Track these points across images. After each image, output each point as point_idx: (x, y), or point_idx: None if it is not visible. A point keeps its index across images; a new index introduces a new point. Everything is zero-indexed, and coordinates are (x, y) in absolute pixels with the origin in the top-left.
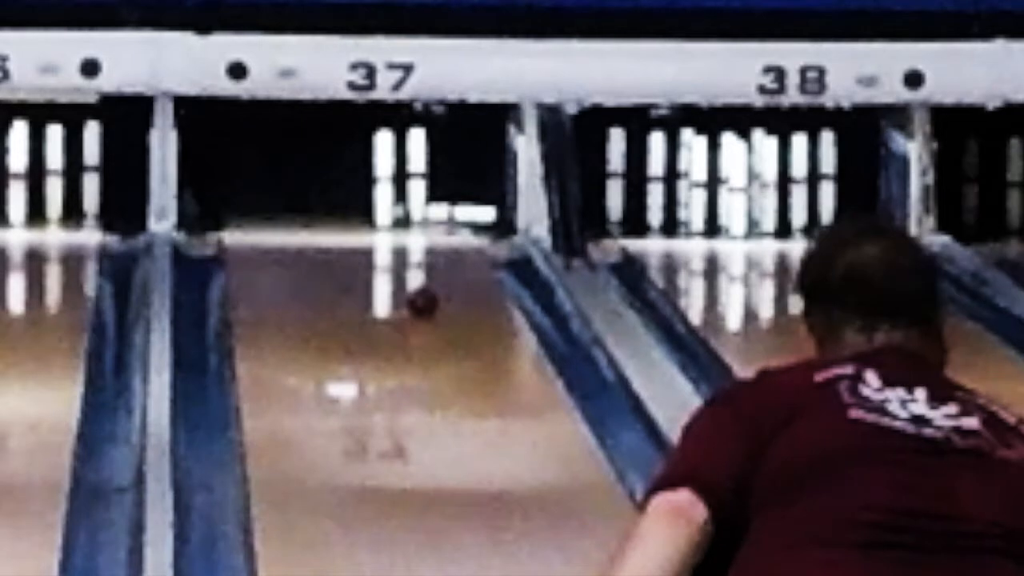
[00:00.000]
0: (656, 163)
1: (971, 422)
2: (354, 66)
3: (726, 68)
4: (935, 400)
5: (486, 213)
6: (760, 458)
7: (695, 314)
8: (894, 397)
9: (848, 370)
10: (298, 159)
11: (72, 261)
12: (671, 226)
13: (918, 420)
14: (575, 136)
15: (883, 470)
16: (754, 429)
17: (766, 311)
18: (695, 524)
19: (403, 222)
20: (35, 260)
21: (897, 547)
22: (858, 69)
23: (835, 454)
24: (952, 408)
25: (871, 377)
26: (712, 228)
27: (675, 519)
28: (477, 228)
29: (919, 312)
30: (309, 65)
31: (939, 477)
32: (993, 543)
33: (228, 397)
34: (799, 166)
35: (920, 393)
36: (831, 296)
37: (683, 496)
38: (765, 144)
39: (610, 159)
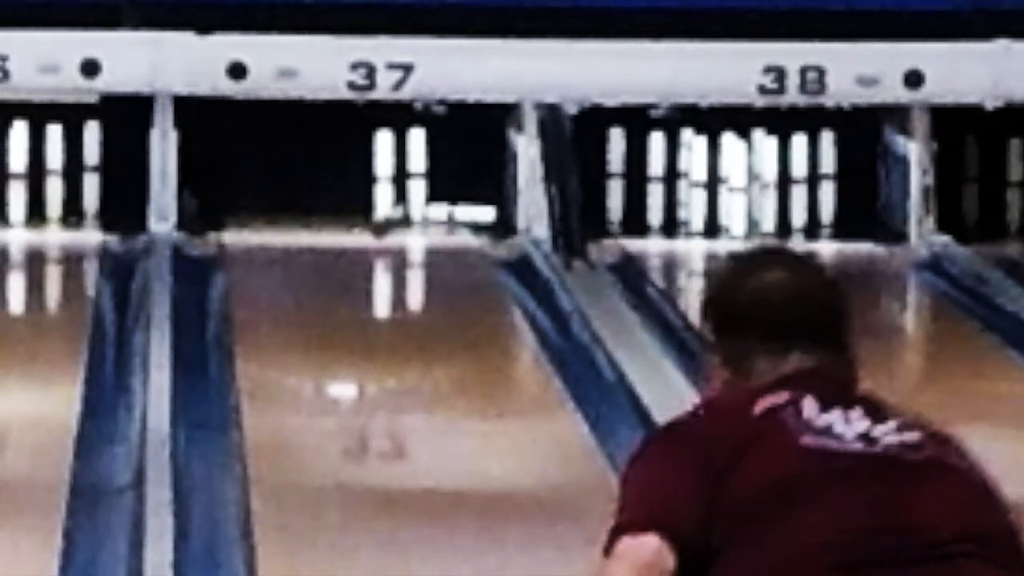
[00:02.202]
0: (656, 163)
1: (913, 436)
2: (354, 66)
3: (726, 68)
4: (873, 418)
5: (486, 213)
6: (718, 492)
7: (695, 314)
8: (836, 419)
9: (784, 397)
10: (298, 159)
11: (72, 261)
12: (671, 226)
13: (865, 439)
14: (575, 136)
15: (844, 492)
16: (708, 463)
17: None
18: (664, 574)
19: (403, 222)
20: (35, 260)
21: (871, 566)
22: (858, 69)
23: (794, 482)
24: (892, 424)
25: (808, 402)
26: (712, 228)
27: (645, 571)
28: (477, 228)
29: (830, 335)
30: (309, 65)
31: (900, 491)
32: (963, 548)
33: (228, 397)
34: (799, 166)
35: (856, 413)
36: (739, 322)
37: (651, 543)
38: (765, 144)
39: (610, 159)
